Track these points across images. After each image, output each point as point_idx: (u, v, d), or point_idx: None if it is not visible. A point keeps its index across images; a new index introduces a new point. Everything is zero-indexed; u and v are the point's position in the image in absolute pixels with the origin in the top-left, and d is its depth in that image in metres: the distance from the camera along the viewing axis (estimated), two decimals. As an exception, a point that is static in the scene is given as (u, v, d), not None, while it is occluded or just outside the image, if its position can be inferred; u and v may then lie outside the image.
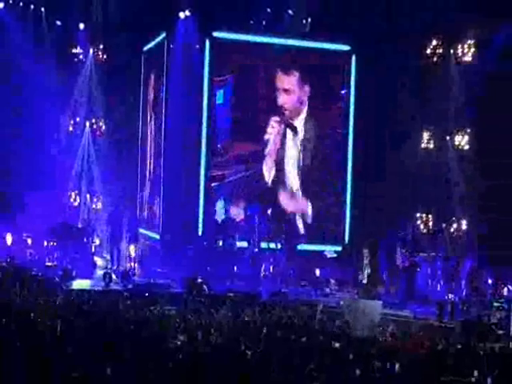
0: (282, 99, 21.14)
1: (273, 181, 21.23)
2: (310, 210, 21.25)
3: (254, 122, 21.18)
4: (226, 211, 20.69)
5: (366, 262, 17.72)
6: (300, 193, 21.41)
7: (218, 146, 20.96)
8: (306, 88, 21.27)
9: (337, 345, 10.90)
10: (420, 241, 18.96)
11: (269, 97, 21.12)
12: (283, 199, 21.22)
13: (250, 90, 21.19)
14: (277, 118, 21.07)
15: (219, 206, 20.79)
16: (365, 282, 17.47)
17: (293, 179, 21.41)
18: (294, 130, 21.28)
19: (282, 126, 21.17)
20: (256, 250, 19.17)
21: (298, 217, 21.19)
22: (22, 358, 9.21)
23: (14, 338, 9.97)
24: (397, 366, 9.84)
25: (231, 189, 20.98)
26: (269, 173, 21.19)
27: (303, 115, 21.40)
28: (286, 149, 21.27)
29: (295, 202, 21.33)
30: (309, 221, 21.27)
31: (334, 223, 21.64)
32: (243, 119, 21.11)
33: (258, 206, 20.05)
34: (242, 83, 21.09)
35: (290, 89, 21.20)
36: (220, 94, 20.96)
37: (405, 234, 18.71)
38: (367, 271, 17.61)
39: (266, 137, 21.10)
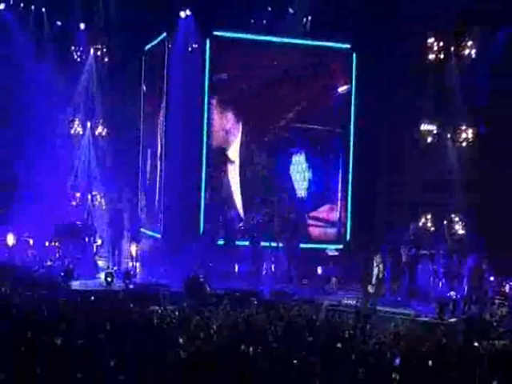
0: None
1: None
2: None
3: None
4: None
5: (376, 266, 17.64)
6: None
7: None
8: (230, 116, 21.06)
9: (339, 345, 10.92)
10: (422, 238, 18.93)
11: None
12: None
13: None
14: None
15: None
16: (374, 281, 17.40)
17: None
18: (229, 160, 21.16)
19: None
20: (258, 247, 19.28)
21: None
22: (24, 357, 9.24)
23: (16, 338, 10.00)
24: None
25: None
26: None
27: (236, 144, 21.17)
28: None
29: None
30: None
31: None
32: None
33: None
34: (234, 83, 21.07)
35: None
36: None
37: (407, 231, 18.70)
38: (377, 274, 17.55)
39: None
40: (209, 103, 20.78)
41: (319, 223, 21.69)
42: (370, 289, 16.75)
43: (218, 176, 20.99)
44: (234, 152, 21.18)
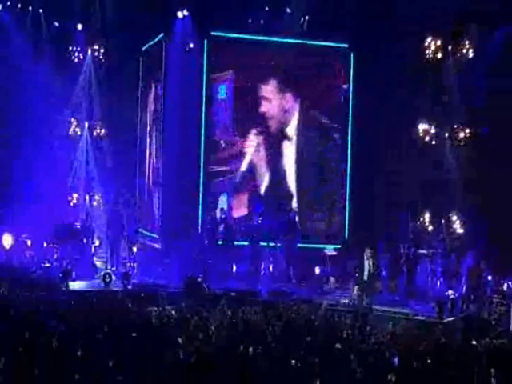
0: (264, 107, 21.35)
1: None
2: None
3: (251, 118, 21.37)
4: (229, 206, 20.89)
5: (367, 259, 17.64)
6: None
7: (221, 141, 21.09)
8: (288, 96, 21.37)
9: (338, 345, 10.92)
10: (420, 238, 18.94)
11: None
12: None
13: (248, 89, 21.27)
14: (254, 131, 21.24)
15: (222, 200, 20.89)
16: (365, 279, 17.42)
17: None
18: (286, 137, 21.45)
19: (262, 136, 21.31)
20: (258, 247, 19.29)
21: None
22: (22, 358, 9.23)
23: (14, 339, 10.00)
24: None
25: (234, 184, 21.17)
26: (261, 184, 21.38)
27: (294, 122, 21.50)
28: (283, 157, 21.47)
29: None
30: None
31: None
32: (242, 115, 21.26)
33: (261, 204, 20.34)
34: (241, 81, 21.17)
35: (269, 97, 21.31)
36: (222, 88, 21.11)
37: (406, 230, 18.71)
38: (368, 269, 17.56)
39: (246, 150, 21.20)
40: (211, 101, 20.89)
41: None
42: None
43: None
44: (291, 129, 21.59)
